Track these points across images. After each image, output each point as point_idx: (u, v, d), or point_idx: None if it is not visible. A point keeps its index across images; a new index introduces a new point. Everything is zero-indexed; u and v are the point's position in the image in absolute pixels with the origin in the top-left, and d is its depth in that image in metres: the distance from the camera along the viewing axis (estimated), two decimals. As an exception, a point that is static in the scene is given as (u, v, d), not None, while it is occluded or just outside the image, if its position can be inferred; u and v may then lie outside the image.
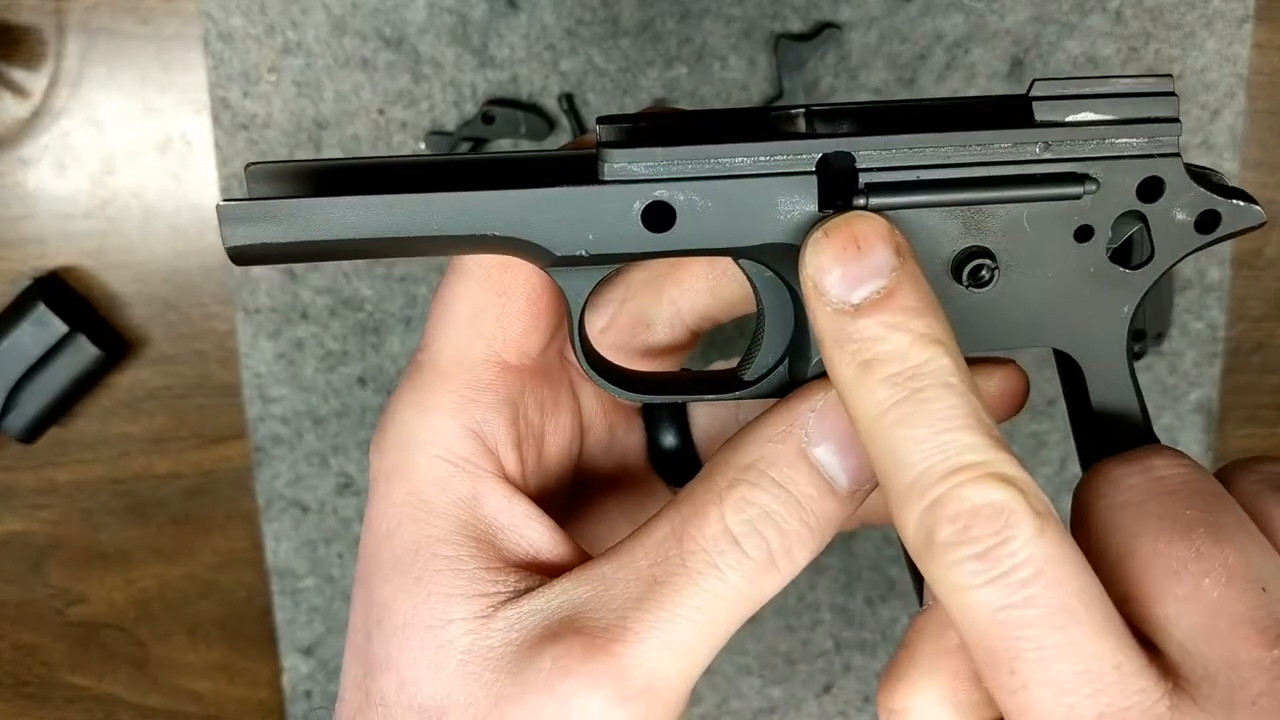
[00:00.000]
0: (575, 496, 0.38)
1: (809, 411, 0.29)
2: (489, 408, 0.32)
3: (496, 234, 0.28)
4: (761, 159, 0.28)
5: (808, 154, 0.28)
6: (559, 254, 0.29)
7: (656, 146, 0.28)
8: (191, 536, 0.65)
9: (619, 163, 0.28)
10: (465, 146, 0.58)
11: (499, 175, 0.28)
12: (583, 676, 0.28)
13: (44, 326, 0.58)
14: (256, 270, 0.60)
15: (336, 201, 0.27)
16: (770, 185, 0.28)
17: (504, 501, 0.31)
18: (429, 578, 0.30)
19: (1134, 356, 0.32)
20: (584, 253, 0.29)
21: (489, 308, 0.32)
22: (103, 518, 0.65)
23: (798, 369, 0.31)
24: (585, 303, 0.31)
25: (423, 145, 0.59)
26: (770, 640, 0.68)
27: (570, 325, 0.31)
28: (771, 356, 0.32)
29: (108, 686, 0.67)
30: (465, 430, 0.31)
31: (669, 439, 0.39)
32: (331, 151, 0.59)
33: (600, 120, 0.29)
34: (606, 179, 0.28)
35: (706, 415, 0.40)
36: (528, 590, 0.30)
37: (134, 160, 0.60)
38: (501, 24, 0.58)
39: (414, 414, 0.32)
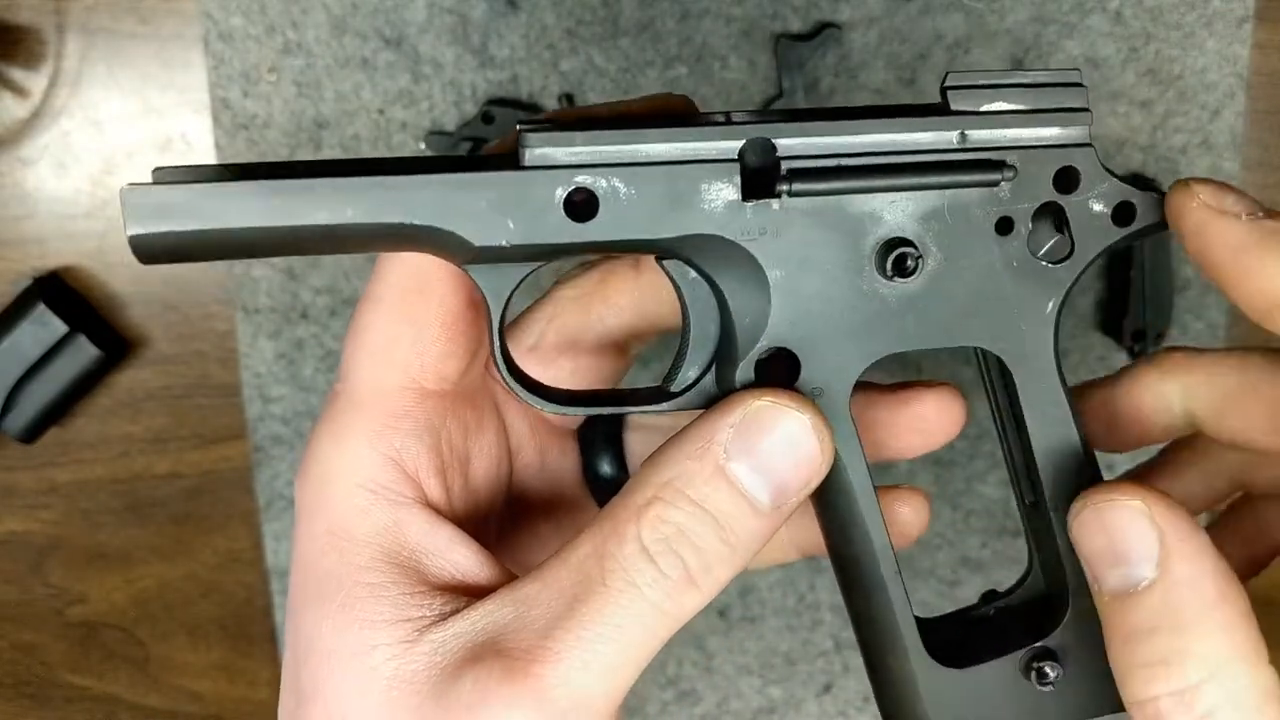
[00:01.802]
0: (510, 520, 0.38)
1: (728, 427, 0.28)
2: (408, 435, 0.32)
3: (414, 222, 0.27)
4: (684, 146, 0.28)
5: (730, 140, 0.28)
6: (478, 244, 0.27)
7: (578, 132, 0.27)
8: (191, 536, 0.65)
9: (540, 148, 0.27)
10: (466, 146, 0.58)
11: (418, 167, 0.27)
12: (502, 698, 0.27)
13: (44, 326, 0.58)
14: (257, 270, 0.60)
15: (250, 185, 0.26)
16: (693, 172, 0.28)
17: (426, 527, 0.31)
18: (352, 605, 0.30)
19: (1061, 362, 0.31)
20: (505, 243, 0.27)
21: (403, 335, 0.31)
22: (103, 518, 0.65)
23: (725, 378, 0.30)
24: (506, 307, 0.30)
25: (423, 145, 0.59)
26: (770, 640, 0.68)
27: (490, 331, 0.30)
28: (697, 366, 0.31)
29: (108, 686, 0.67)
30: (384, 459, 0.31)
31: (605, 466, 0.37)
32: (332, 152, 0.59)
33: (520, 123, 0.28)
34: (527, 164, 0.27)
35: (642, 441, 0.39)
36: (453, 613, 0.29)
37: (134, 160, 0.60)
38: (501, 24, 0.58)
39: (332, 445, 0.32)
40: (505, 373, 0.30)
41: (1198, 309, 0.64)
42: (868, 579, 0.31)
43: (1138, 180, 0.60)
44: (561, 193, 0.27)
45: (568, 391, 0.32)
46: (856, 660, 0.68)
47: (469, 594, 0.30)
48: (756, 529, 0.29)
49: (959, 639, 0.32)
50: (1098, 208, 0.30)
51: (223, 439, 0.64)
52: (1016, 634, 0.32)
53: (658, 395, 0.31)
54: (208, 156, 0.59)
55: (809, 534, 0.37)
